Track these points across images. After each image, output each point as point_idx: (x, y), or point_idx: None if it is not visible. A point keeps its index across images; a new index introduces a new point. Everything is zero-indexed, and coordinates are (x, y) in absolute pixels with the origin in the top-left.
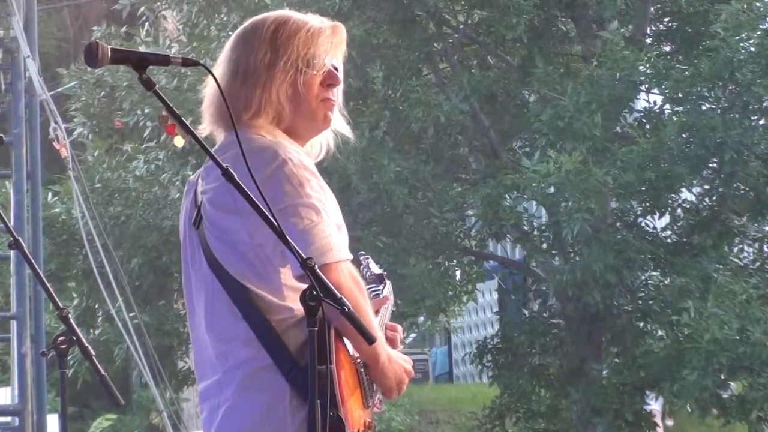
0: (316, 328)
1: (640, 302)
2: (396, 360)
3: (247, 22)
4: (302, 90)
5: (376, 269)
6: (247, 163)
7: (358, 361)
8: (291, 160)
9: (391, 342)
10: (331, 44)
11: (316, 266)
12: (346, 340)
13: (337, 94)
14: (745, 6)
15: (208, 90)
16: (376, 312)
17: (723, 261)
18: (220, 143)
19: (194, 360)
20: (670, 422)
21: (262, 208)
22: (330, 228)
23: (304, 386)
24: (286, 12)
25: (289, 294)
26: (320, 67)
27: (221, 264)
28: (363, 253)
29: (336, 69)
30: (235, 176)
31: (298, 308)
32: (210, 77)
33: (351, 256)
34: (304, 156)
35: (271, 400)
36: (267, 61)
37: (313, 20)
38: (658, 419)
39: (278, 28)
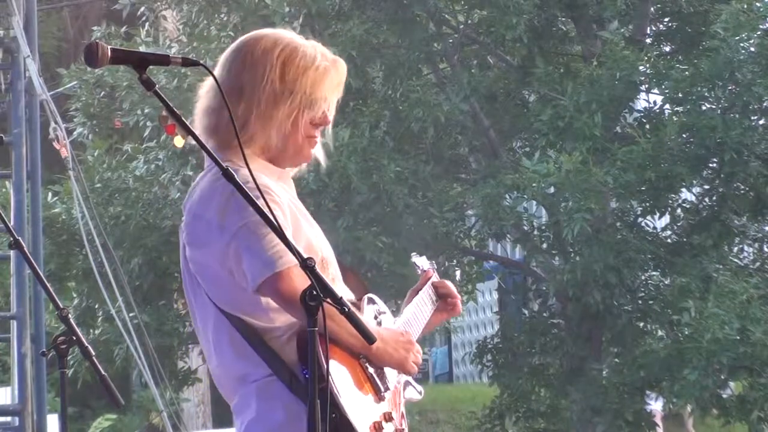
0: (316, 328)
1: (640, 302)
2: (390, 338)
3: (249, 38)
4: (296, 128)
5: (424, 264)
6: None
7: (361, 355)
8: (245, 183)
9: (447, 294)
10: (334, 86)
11: (268, 275)
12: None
13: (324, 131)
14: (745, 6)
15: (206, 102)
16: (418, 290)
17: (723, 261)
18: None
19: (218, 384)
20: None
21: (262, 208)
22: (275, 240)
23: (306, 398)
24: (288, 36)
25: (275, 316)
26: (319, 111)
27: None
28: (415, 254)
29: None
30: (235, 176)
31: (286, 324)
32: (208, 86)
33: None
34: (265, 179)
35: (287, 412)
36: (273, 95)
37: (318, 52)
38: (658, 419)
39: (287, 62)
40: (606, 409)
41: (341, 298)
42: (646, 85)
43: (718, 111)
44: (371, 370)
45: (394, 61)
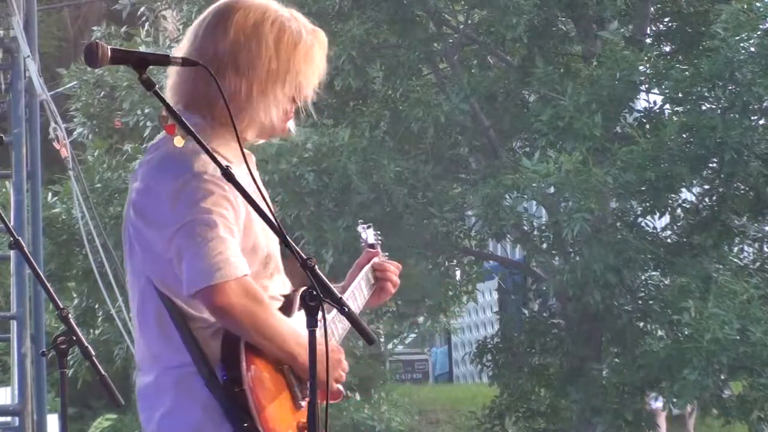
0: (316, 328)
1: (640, 302)
2: (321, 353)
3: (231, 6)
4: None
5: (371, 238)
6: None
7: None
8: (202, 174)
9: (384, 277)
10: (321, 62)
11: (203, 287)
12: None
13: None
14: (745, 6)
15: (188, 73)
16: (358, 269)
17: (723, 261)
18: (157, 138)
19: (135, 348)
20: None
21: (262, 208)
22: (224, 244)
23: (222, 398)
24: (272, 7)
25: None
26: (307, 88)
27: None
28: (362, 222)
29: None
30: (234, 176)
31: (211, 318)
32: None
33: (246, 272)
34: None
35: (204, 411)
36: (269, 74)
37: (302, 26)
38: (661, 419)
39: (279, 39)
40: (606, 409)
41: (341, 298)
42: (646, 85)
43: (718, 111)
44: (293, 378)
45: (394, 61)
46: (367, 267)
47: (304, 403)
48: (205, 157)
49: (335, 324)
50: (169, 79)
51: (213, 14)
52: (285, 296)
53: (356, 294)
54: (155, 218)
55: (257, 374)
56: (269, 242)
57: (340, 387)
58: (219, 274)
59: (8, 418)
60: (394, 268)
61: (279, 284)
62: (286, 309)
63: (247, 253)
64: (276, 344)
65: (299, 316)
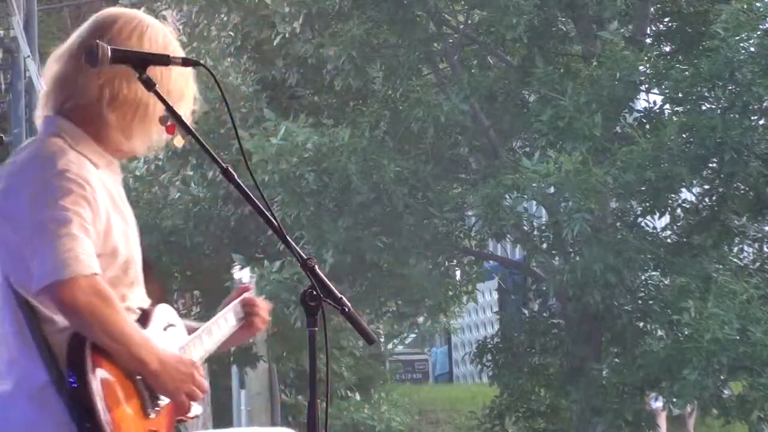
0: (316, 328)
1: (640, 302)
2: (171, 363)
3: (113, 16)
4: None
5: (245, 278)
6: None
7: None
8: (65, 172)
9: (252, 312)
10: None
11: (50, 282)
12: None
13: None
14: (745, 6)
15: (60, 69)
16: (227, 304)
17: (723, 261)
18: (26, 142)
19: None
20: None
21: (262, 207)
22: (76, 242)
23: (67, 404)
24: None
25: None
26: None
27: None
28: (236, 263)
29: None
30: (235, 176)
31: (62, 320)
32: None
33: (96, 270)
34: (88, 169)
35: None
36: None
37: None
38: (662, 419)
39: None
40: (606, 409)
41: (341, 298)
42: (646, 85)
43: (718, 111)
44: (142, 386)
45: (394, 61)
46: (237, 301)
47: (153, 414)
48: (70, 156)
49: (200, 339)
50: (44, 82)
51: (99, 22)
52: (142, 309)
53: (220, 323)
54: (15, 218)
55: (103, 376)
56: (130, 249)
57: (194, 404)
58: (67, 271)
59: None
60: (264, 305)
61: (139, 296)
62: (142, 322)
63: (106, 257)
64: (123, 347)
65: (153, 331)
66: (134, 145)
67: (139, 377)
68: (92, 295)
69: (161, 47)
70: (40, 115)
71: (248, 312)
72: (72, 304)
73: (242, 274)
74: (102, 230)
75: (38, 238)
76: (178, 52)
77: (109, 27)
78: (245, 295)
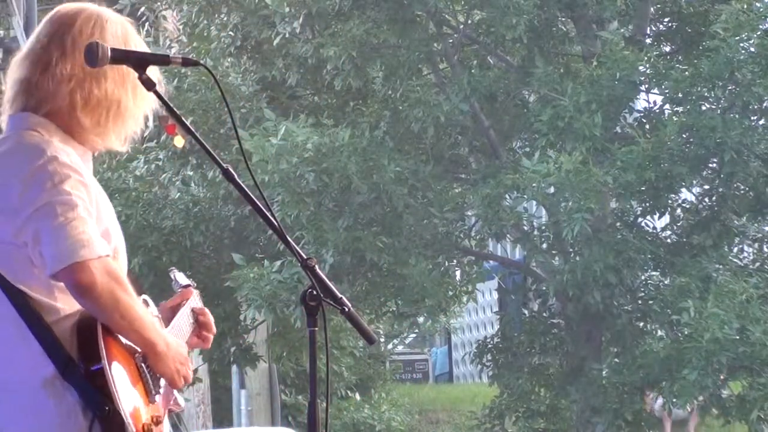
0: (316, 328)
1: (640, 302)
2: (173, 347)
3: (77, 11)
4: None
5: (183, 280)
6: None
7: (137, 355)
8: (57, 158)
9: (206, 326)
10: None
11: (68, 264)
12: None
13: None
14: (745, 6)
15: (30, 67)
16: (178, 305)
17: (723, 261)
18: (5, 132)
19: None
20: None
21: (262, 207)
22: (86, 225)
23: (82, 390)
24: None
25: (59, 295)
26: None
27: None
28: (172, 268)
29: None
30: (235, 176)
31: (64, 308)
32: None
33: (108, 253)
34: (74, 156)
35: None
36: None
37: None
38: (664, 419)
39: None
40: (606, 409)
41: (341, 298)
42: (646, 85)
43: (718, 111)
44: (146, 371)
45: (394, 61)
46: (188, 307)
47: (158, 398)
48: (55, 144)
49: (180, 330)
50: (7, 87)
51: (65, 15)
52: None
53: (182, 328)
54: (4, 206)
55: (115, 360)
56: (118, 237)
57: (179, 395)
58: (83, 252)
59: None
60: (211, 318)
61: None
62: None
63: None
64: (136, 328)
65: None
66: (109, 143)
67: (142, 362)
68: (107, 276)
69: (121, 40)
70: (4, 119)
71: (203, 323)
72: (90, 286)
73: (178, 276)
74: (95, 216)
75: (44, 221)
76: (139, 43)
77: (70, 27)
78: (192, 302)
